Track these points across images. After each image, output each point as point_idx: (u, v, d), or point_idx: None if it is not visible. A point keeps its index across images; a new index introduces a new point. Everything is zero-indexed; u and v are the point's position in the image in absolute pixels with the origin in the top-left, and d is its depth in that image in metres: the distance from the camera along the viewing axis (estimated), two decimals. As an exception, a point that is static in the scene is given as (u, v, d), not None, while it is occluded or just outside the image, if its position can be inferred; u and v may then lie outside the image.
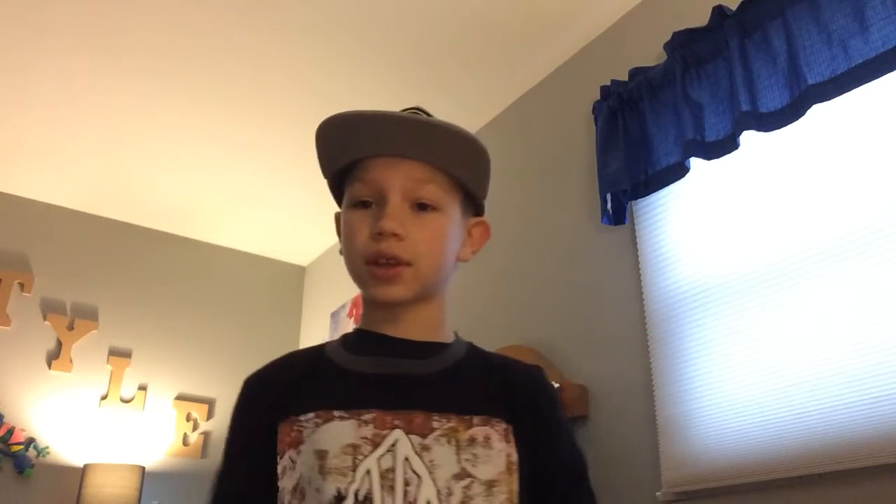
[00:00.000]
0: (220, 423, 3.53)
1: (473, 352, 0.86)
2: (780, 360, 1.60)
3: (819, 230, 1.60)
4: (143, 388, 3.39)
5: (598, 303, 2.13)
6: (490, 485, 0.72)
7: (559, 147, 2.46)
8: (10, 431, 3.00)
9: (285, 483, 0.74)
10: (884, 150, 1.52)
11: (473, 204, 0.87)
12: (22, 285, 3.24)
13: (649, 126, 2.02)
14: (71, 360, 3.24)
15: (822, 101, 1.60)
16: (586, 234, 2.23)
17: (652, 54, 2.11)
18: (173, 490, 3.26)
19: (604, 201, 2.08)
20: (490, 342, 2.79)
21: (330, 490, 0.70)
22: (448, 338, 0.85)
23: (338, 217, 0.87)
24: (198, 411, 3.48)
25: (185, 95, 2.75)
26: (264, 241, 3.88)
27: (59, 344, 3.25)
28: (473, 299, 2.64)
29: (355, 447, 0.72)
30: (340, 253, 0.84)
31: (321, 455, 0.72)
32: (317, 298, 3.92)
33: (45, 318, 3.26)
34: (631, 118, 2.08)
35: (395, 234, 0.77)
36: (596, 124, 2.21)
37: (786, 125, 1.67)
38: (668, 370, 1.85)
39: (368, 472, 0.71)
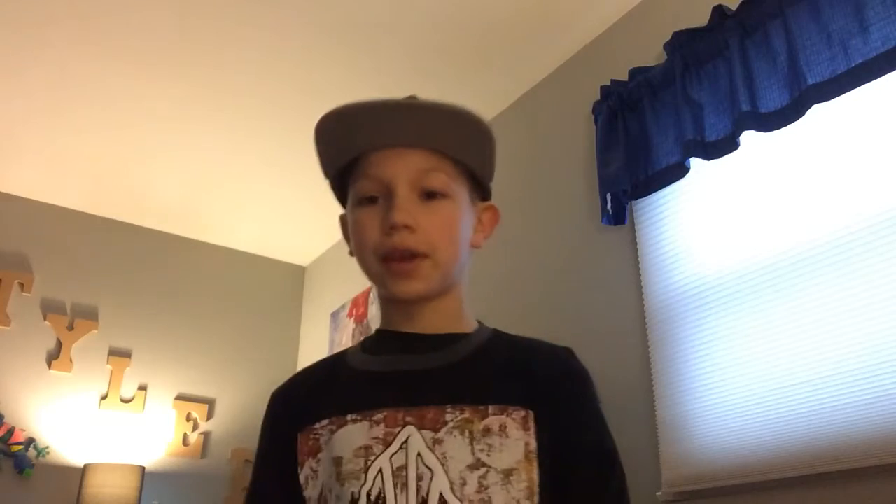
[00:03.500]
0: (219, 423, 3.53)
1: (497, 338, 0.84)
2: (781, 359, 1.60)
3: (819, 230, 1.60)
4: (142, 388, 3.39)
5: (599, 303, 2.13)
6: (507, 473, 0.70)
7: (559, 147, 2.46)
8: (10, 431, 3.00)
9: (310, 493, 0.74)
10: (884, 151, 1.52)
11: (480, 188, 0.85)
12: (22, 285, 3.24)
13: (649, 126, 2.02)
14: (71, 361, 3.24)
15: (822, 101, 1.60)
16: (586, 234, 2.23)
17: (652, 54, 2.11)
18: (173, 490, 3.26)
19: (604, 201, 2.08)
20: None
21: (346, 496, 0.70)
22: (469, 328, 0.83)
23: (343, 218, 0.84)
24: (198, 411, 3.48)
25: (185, 95, 2.75)
26: (264, 241, 3.88)
27: (59, 344, 3.25)
28: (472, 299, 2.63)
29: (367, 448, 0.71)
30: (351, 254, 0.82)
31: (337, 462, 0.72)
32: (317, 298, 3.92)
33: (45, 318, 3.26)
34: (631, 118, 2.08)
35: (407, 226, 0.75)
36: (596, 124, 2.21)
37: (786, 125, 1.67)
38: (668, 370, 1.85)
39: (380, 471, 0.70)
